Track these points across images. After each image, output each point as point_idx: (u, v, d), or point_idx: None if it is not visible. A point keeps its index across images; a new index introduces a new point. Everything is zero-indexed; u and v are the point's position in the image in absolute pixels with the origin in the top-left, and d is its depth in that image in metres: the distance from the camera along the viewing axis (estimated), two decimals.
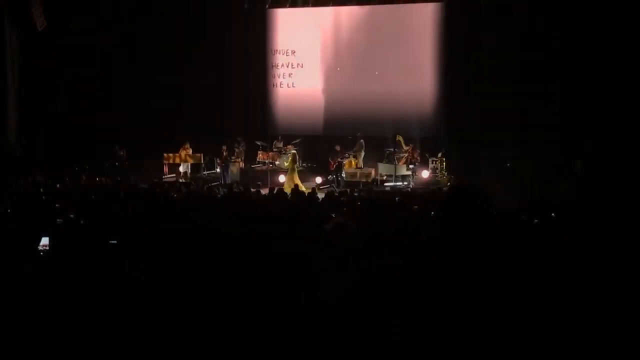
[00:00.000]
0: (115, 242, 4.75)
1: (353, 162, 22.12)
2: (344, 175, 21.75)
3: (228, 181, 21.32)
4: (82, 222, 7.60)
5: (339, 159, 21.85)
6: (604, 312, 3.28)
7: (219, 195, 15.74)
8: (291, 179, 21.01)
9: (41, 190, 16.08)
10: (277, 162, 23.31)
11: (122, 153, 23.69)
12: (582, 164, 18.67)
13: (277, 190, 15.68)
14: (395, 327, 1.76)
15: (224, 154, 22.71)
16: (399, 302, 1.77)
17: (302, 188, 18.51)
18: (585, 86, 19.38)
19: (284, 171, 22.46)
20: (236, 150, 23.00)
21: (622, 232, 7.37)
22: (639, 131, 17.75)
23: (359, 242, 4.45)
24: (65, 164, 21.38)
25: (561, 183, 17.35)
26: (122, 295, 3.44)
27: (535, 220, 7.95)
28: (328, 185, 20.68)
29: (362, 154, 22.37)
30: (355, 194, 16.06)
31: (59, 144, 22.81)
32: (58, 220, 7.77)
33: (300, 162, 23.93)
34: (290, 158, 21.75)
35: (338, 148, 22.06)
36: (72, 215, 8.60)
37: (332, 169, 21.96)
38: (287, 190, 17.17)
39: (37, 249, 4.76)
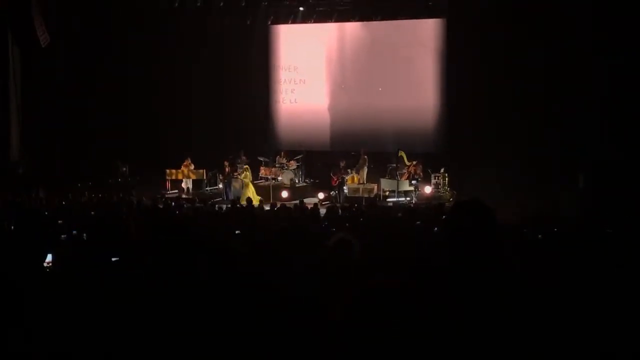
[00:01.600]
0: (117, 259, 4.73)
1: (355, 178, 22.09)
2: (346, 191, 21.73)
3: (231, 197, 21.30)
4: (85, 238, 7.59)
5: (343, 175, 21.80)
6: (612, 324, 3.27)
7: (222, 211, 15.74)
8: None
9: (44, 206, 16.10)
10: (279, 178, 23.29)
11: (124, 169, 23.70)
12: (584, 177, 18.65)
13: (280, 206, 15.68)
14: (398, 343, 1.75)
15: (227, 169, 22.71)
16: (401, 318, 1.76)
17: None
18: (587, 99, 19.39)
19: (287, 187, 22.51)
20: (238, 165, 22.98)
21: (626, 244, 7.34)
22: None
23: (361, 258, 4.44)
24: (67, 180, 21.41)
25: (564, 196, 17.34)
26: (124, 315, 3.43)
27: (540, 236, 7.93)
28: (329, 202, 20.59)
29: (365, 169, 22.33)
30: (353, 210, 16.01)
31: (61, 160, 22.86)
32: (62, 236, 7.77)
33: (303, 177, 23.94)
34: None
35: (342, 164, 22.00)
36: (74, 232, 8.59)
37: (335, 184, 21.90)
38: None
39: (43, 265, 4.76)
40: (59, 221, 10.48)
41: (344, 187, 21.75)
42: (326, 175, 22.76)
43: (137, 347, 3.22)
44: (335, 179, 21.88)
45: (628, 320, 3.43)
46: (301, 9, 25.25)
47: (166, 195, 21.24)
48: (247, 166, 22.16)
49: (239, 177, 22.21)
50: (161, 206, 16.38)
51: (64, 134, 23.66)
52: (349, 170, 22.08)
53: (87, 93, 23.90)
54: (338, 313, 1.82)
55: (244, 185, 21.70)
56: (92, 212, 13.97)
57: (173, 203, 16.99)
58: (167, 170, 23.53)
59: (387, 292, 1.80)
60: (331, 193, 22.00)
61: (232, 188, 22.39)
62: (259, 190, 22.36)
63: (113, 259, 4.85)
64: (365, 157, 22.36)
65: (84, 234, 7.80)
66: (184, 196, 21.53)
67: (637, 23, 17.94)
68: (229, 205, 17.05)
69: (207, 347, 3.19)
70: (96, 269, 4.44)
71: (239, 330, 3.24)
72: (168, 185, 23.61)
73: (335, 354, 1.83)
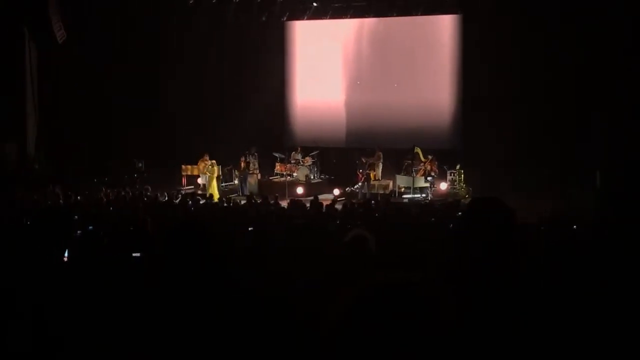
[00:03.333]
0: (137, 255, 4.75)
1: (371, 174, 22.04)
2: (364, 188, 21.69)
3: (246, 192, 21.36)
4: (101, 234, 7.62)
5: (367, 171, 21.73)
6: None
7: (236, 207, 15.77)
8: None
9: (60, 202, 16.18)
10: (294, 174, 23.28)
11: (140, 165, 23.76)
12: (601, 176, 18.52)
13: (295, 202, 15.69)
14: (412, 344, 1.72)
15: (242, 165, 22.76)
16: (416, 317, 1.73)
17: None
18: (603, 97, 19.28)
19: (302, 183, 22.49)
20: (249, 162, 23.03)
21: None
22: None
23: (377, 254, 4.43)
24: (83, 176, 21.50)
25: (581, 195, 17.23)
26: (137, 311, 3.43)
27: (562, 232, 7.86)
28: (344, 198, 20.48)
29: (380, 166, 22.28)
30: (373, 205, 16.02)
31: (77, 156, 22.95)
32: (78, 232, 7.80)
33: (318, 173, 23.90)
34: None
35: (364, 160, 21.94)
36: (90, 227, 8.62)
37: (361, 180, 21.83)
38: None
39: (63, 261, 4.77)
40: (75, 217, 10.53)
41: (366, 183, 21.66)
42: (342, 172, 22.77)
43: (149, 345, 3.22)
44: (361, 176, 21.82)
45: None
46: (314, 4, 25.20)
47: (182, 191, 21.28)
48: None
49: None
50: (177, 202, 16.44)
51: (80, 129, 23.73)
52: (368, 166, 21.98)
53: (104, 89, 23.96)
54: (340, 312, 1.77)
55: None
56: (110, 208, 14.05)
57: (189, 199, 17.02)
58: (183, 166, 23.55)
59: (398, 290, 1.76)
60: (350, 188, 21.95)
61: (247, 183, 22.43)
62: (274, 186, 22.39)
63: (134, 255, 4.87)
64: (380, 153, 22.30)
65: (101, 230, 7.83)
66: (199, 192, 21.58)
67: None
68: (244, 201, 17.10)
69: (215, 348, 3.18)
70: (113, 264, 4.45)
71: (248, 331, 3.23)
72: (184, 181, 23.64)
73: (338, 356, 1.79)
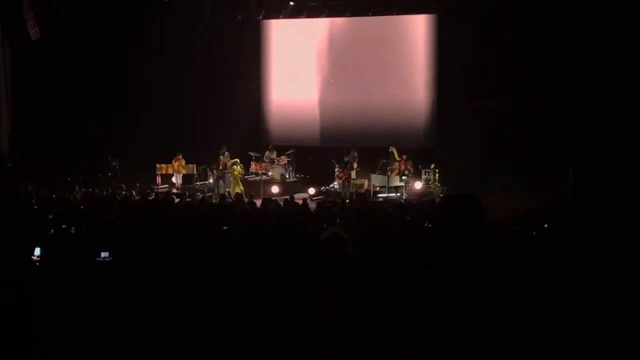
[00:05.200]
0: (107, 255, 4.70)
1: (351, 174, 22.00)
2: (337, 186, 21.70)
3: (221, 191, 21.28)
4: (73, 233, 7.55)
5: (349, 170, 21.61)
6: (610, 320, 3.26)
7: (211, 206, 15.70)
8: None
9: (33, 200, 16.02)
10: (270, 173, 23.23)
11: (114, 164, 23.61)
12: (574, 173, 18.69)
13: (268, 201, 15.64)
14: (392, 343, 1.72)
15: (220, 164, 22.64)
16: (394, 317, 1.73)
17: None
18: (577, 96, 19.43)
19: (277, 182, 22.46)
20: (221, 161, 22.85)
21: (619, 239, 7.34)
22: (633, 139, 17.83)
23: (354, 253, 4.42)
24: (58, 175, 21.31)
25: (554, 193, 17.37)
26: (110, 310, 3.40)
27: (534, 233, 7.94)
28: (321, 197, 20.45)
29: (355, 165, 22.24)
30: (347, 204, 16.03)
31: (51, 155, 22.76)
32: (51, 231, 7.72)
33: (293, 172, 23.87)
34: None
35: (347, 158, 21.81)
36: (64, 226, 8.54)
37: (342, 179, 21.74)
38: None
39: (31, 259, 4.72)
40: (49, 216, 10.43)
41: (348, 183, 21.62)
42: (317, 171, 22.73)
43: (124, 345, 3.19)
44: (342, 175, 21.74)
45: (621, 317, 3.42)
46: (291, 3, 25.20)
47: (156, 190, 21.16)
48: (237, 159, 22.15)
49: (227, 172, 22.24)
50: (151, 201, 16.34)
51: (55, 127, 23.54)
52: (353, 165, 21.88)
53: (78, 87, 23.78)
54: (329, 313, 1.77)
55: (234, 179, 21.84)
56: (82, 207, 13.94)
57: (162, 198, 16.93)
58: (158, 165, 23.41)
59: (386, 290, 1.76)
60: (326, 187, 21.92)
61: (224, 182, 22.28)
62: (249, 185, 22.37)
63: (102, 254, 4.82)
64: (355, 152, 22.25)
65: (72, 228, 7.77)
66: (174, 191, 21.46)
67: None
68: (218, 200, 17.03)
69: (194, 348, 3.16)
70: (83, 263, 4.41)
71: (227, 331, 3.21)
72: (158, 180, 23.49)
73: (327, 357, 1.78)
